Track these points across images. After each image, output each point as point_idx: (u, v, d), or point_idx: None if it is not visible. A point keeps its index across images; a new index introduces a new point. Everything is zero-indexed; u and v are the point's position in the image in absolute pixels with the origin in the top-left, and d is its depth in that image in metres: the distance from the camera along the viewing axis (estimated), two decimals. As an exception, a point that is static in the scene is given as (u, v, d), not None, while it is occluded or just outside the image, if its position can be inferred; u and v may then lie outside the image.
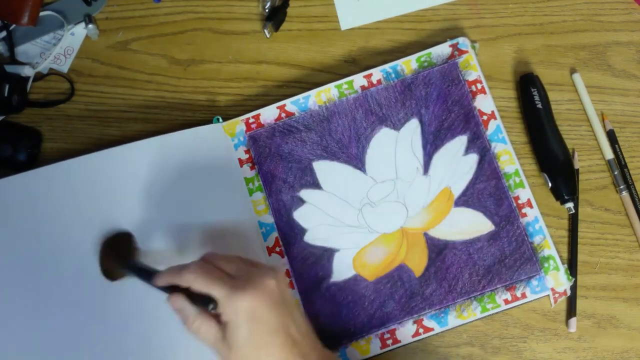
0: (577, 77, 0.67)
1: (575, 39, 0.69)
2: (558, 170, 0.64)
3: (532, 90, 0.65)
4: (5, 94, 0.65)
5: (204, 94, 0.69)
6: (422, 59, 0.66)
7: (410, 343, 0.61)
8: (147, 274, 0.54)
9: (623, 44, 0.68)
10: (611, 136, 0.66)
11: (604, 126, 0.67)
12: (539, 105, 0.65)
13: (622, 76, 0.68)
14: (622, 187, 0.65)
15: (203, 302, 0.49)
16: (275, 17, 0.68)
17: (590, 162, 0.66)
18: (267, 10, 0.69)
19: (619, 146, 0.66)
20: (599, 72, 0.68)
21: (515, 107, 0.67)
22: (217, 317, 0.50)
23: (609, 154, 0.66)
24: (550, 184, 0.64)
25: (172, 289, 0.51)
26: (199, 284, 0.49)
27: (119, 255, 0.59)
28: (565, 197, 0.63)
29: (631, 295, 0.64)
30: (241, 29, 0.70)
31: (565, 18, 0.69)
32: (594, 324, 0.63)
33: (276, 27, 0.69)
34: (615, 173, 0.65)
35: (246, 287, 0.48)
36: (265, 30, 0.68)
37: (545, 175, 0.64)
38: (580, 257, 0.64)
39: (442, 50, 0.66)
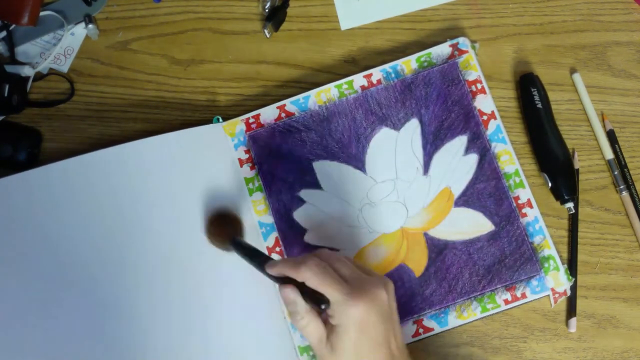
0: (577, 77, 0.67)
1: (575, 39, 0.69)
2: (558, 170, 0.64)
3: (532, 90, 0.65)
4: (5, 94, 0.65)
5: (204, 94, 0.69)
6: (422, 59, 0.66)
7: (410, 343, 0.61)
8: (257, 258, 0.54)
9: (623, 44, 0.68)
10: (611, 136, 0.66)
11: (604, 126, 0.67)
12: (539, 105, 0.65)
13: (622, 76, 0.68)
14: (622, 187, 0.65)
15: (315, 299, 0.49)
16: (275, 17, 0.68)
17: (590, 162, 0.66)
18: (267, 10, 0.69)
19: (619, 146, 0.66)
20: (599, 72, 0.68)
21: (515, 107, 0.67)
22: (323, 317, 0.50)
23: (609, 154, 0.66)
24: (550, 184, 0.64)
25: (282, 279, 0.52)
26: (315, 282, 0.49)
27: (227, 230, 0.59)
28: (565, 197, 0.63)
29: (631, 295, 0.64)
30: (241, 29, 0.70)
31: (565, 18, 0.69)
32: (594, 324, 0.63)
33: (276, 27, 0.69)
34: (615, 173, 0.65)
35: (360, 296, 0.48)
36: (265, 30, 0.68)
37: (545, 175, 0.64)
38: (580, 257, 0.64)
39: (442, 50, 0.66)
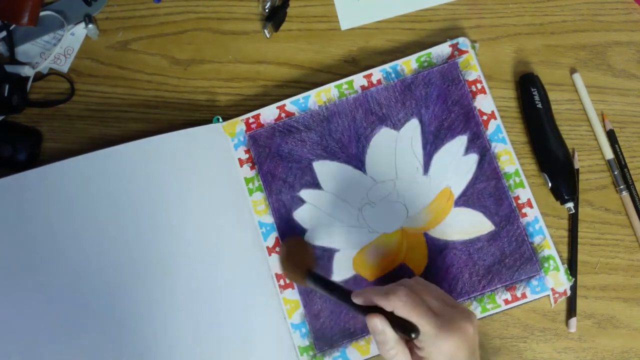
0: (577, 77, 0.67)
1: (575, 39, 0.69)
2: (558, 170, 0.64)
3: (532, 90, 0.65)
4: (5, 94, 0.65)
5: (204, 94, 0.69)
6: (422, 59, 0.66)
7: None
8: (337, 289, 0.55)
9: (623, 44, 0.68)
10: (611, 136, 0.66)
11: (604, 126, 0.67)
12: (539, 105, 0.65)
13: (622, 76, 0.68)
14: (622, 187, 0.65)
15: (404, 329, 0.49)
16: (275, 17, 0.68)
17: (590, 162, 0.66)
18: (267, 10, 0.69)
19: (619, 146, 0.66)
20: (599, 72, 0.68)
21: (515, 107, 0.67)
22: (409, 345, 0.51)
23: (609, 154, 0.66)
24: (550, 184, 0.64)
25: (366, 309, 0.52)
26: (406, 313, 0.49)
27: (300, 262, 0.59)
28: (565, 197, 0.63)
29: (631, 295, 0.64)
30: (241, 29, 0.70)
31: (565, 18, 0.69)
32: (594, 324, 0.63)
33: (276, 27, 0.69)
34: (615, 173, 0.65)
35: (452, 330, 0.49)
36: (265, 30, 0.68)
37: (545, 175, 0.64)
38: (580, 257, 0.64)
39: (442, 50, 0.66)
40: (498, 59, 0.68)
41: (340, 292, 0.54)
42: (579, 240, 0.64)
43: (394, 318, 0.50)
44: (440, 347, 0.49)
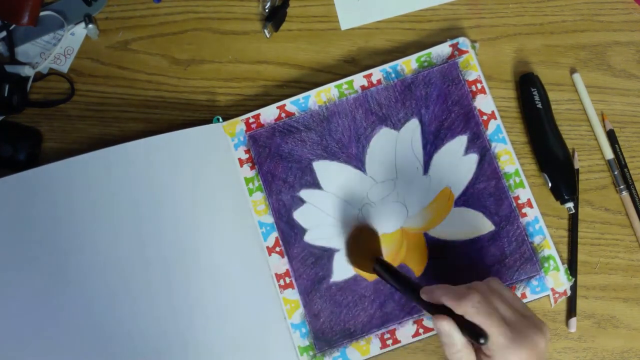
0: (577, 77, 0.67)
1: (575, 39, 0.69)
2: (558, 170, 0.64)
3: (532, 90, 0.65)
4: (5, 94, 0.65)
5: (204, 94, 0.69)
6: (422, 58, 0.66)
7: (410, 343, 0.61)
8: (405, 281, 0.54)
9: (623, 44, 0.68)
10: (611, 136, 0.66)
11: (604, 126, 0.67)
12: (539, 105, 0.65)
13: (622, 76, 0.68)
14: (622, 187, 0.65)
15: (473, 334, 0.49)
16: (275, 17, 0.68)
17: (590, 162, 0.66)
18: (267, 10, 0.69)
19: (619, 146, 0.66)
20: (599, 72, 0.68)
21: (515, 107, 0.67)
22: (475, 347, 0.50)
23: (609, 154, 0.66)
24: (550, 184, 0.64)
25: (436, 307, 0.51)
26: (477, 320, 0.49)
27: (367, 249, 0.59)
28: (565, 197, 0.63)
29: (631, 295, 0.64)
30: (241, 29, 0.70)
31: (565, 18, 0.69)
32: (594, 324, 0.63)
33: (276, 27, 0.69)
34: (615, 173, 0.65)
35: (523, 343, 0.48)
36: (265, 30, 0.68)
37: (545, 175, 0.64)
38: (580, 257, 0.64)
39: (442, 50, 0.66)
40: (498, 59, 0.68)
41: (408, 284, 0.54)
42: (579, 240, 0.64)
43: (463, 321, 0.49)
44: (507, 357, 0.48)
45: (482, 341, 0.48)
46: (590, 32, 0.69)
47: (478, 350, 0.50)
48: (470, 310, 0.49)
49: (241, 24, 0.70)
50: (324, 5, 0.70)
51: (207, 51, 0.69)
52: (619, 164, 0.66)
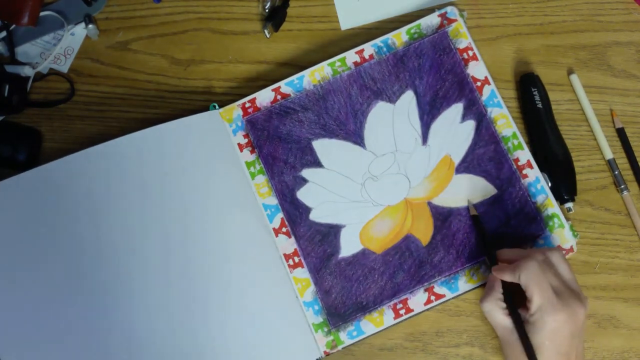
0: (575, 78, 0.67)
1: (575, 39, 0.69)
2: (558, 170, 0.64)
3: (533, 90, 0.65)
4: (5, 94, 0.65)
5: (204, 94, 0.69)
6: (412, 30, 0.66)
7: (423, 311, 0.62)
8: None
9: (623, 44, 0.68)
10: (621, 134, 0.66)
11: (614, 124, 0.66)
12: (539, 105, 0.65)
13: (622, 76, 0.68)
14: (622, 186, 0.65)
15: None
16: (275, 17, 0.68)
17: (590, 162, 0.66)
18: (267, 10, 0.69)
19: (629, 143, 0.66)
20: (599, 72, 0.68)
21: (515, 107, 0.67)
22: (521, 307, 0.56)
23: (609, 154, 0.66)
24: (550, 184, 0.64)
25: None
26: (526, 283, 0.54)
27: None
28: (565, 197, 0.63)
29: (631, 295, 0.64)
30: (241, 29, 0.70)
31: (565, 18, 0.69)
32: (594, 324, 0.63)
33: (276, 27, 0.69)
34: (616, 173, 0.65)
35: (562, 308, 0.53)
36: (265, 30, 0.68)
37: (545, 175, 0.64)
38: (581, 257, 0.64)
39: (431, 20, 0.66)
40: (498, 59, 0.68)
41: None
42: (579, 240, 0.64)
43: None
44: (546, 319, 0.53)
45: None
46: (590, 32, 0.69)
47: (522, 307, 0.55)
48: (524, 276, 0.54)
49: (241, 24, 0.70)
50: (324, 5, 0.70)
51: (207, 51, 0.69)
52: (630, 161, 0.65)
